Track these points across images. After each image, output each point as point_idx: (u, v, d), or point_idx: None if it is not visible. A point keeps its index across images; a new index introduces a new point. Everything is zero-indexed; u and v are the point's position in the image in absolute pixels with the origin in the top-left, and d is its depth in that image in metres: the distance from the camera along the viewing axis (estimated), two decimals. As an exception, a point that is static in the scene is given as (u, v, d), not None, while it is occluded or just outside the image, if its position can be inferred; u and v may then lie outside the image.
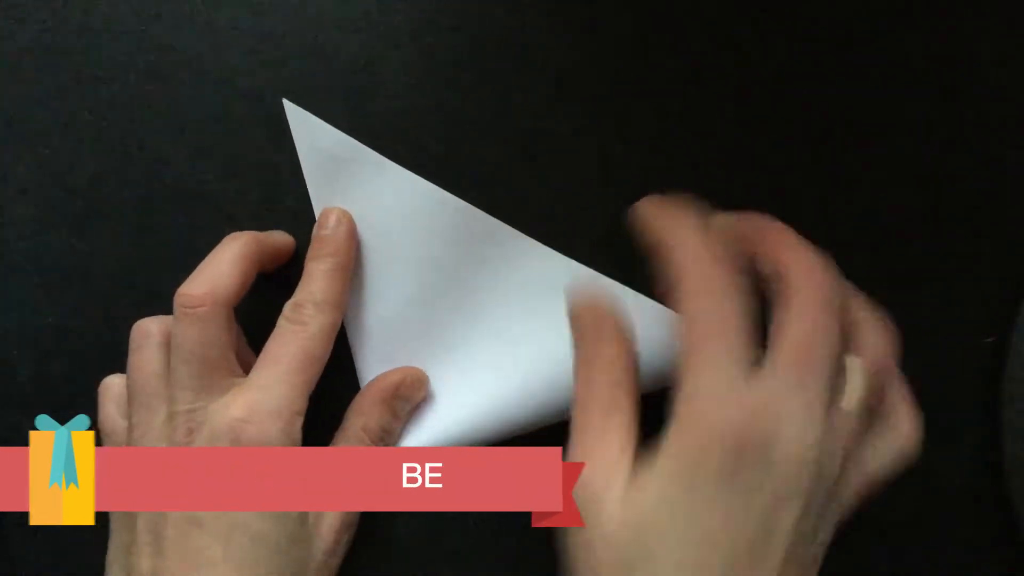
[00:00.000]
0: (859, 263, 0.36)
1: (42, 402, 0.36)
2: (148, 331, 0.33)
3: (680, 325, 0.27)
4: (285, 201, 0.36)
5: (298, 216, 0.35)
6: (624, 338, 0.29)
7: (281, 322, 0.32)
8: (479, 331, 0.34)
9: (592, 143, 0.36)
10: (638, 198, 0.31)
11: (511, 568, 0.36)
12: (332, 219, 0.34)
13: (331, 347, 0.33)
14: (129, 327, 0.36)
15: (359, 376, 0.35)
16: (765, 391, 0.26)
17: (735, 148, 0.36)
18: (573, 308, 0.30)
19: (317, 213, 0.34)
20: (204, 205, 0.36)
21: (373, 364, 0.35)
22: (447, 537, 0.36)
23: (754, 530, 0.26)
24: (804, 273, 0.27)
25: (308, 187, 0.34)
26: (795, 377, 0.26)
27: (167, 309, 0.35)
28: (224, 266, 0.32)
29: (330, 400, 0.34)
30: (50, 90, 0.36)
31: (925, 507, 0.36)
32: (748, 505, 0.26)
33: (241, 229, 0.35)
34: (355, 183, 0.34)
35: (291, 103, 0.34)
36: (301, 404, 0.31)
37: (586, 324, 0.30)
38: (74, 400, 0.36)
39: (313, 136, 0.34)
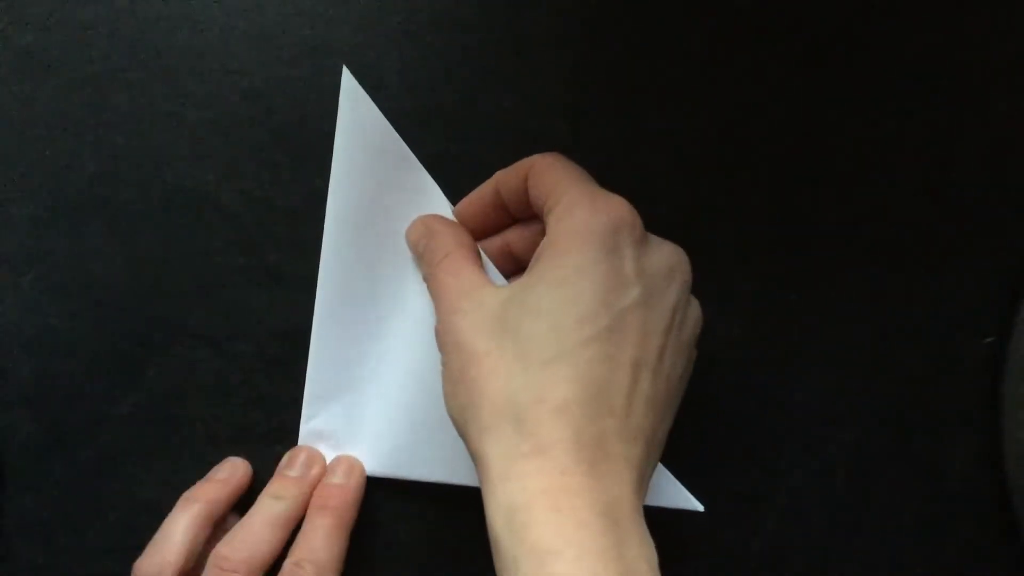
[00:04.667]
0: (859, 264, 0.36)
1: (42, 402, 0.36)
2: None
3: (537, 183, 0.30)
4: (285, 201, 0.36)
5: (298, 216, 0.35)
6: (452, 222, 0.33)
7: None
8: None
9: (592, 143, 0.36)
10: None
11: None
12: (342, 469, 0.34)
13: None
14: (129, 327, 0.36)
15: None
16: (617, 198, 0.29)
17: (736, 148, 0.36)
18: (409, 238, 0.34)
19: (332, 184, 0.34)
20: (204, 205, 0.36)
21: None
22: (447, 537, 0.36)
23: (615, 300, 0.27)
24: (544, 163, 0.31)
25: (333, 160, 0.34)
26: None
27: (166, 308, 0.36)
28: (172, 541, 0.33)
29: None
30: (50, 90, 0.36)
31: (925, 506, 0.36)
32: (615, 271, 0.27)
33: (241, 230, 0.36)
34: (380, 176, 0.34)
35: (350, 74, 0.34)
36: None
37: (419, 234, 0.33)
38: (74, 400, 0.36)
39: (358, 116, 0.34)
